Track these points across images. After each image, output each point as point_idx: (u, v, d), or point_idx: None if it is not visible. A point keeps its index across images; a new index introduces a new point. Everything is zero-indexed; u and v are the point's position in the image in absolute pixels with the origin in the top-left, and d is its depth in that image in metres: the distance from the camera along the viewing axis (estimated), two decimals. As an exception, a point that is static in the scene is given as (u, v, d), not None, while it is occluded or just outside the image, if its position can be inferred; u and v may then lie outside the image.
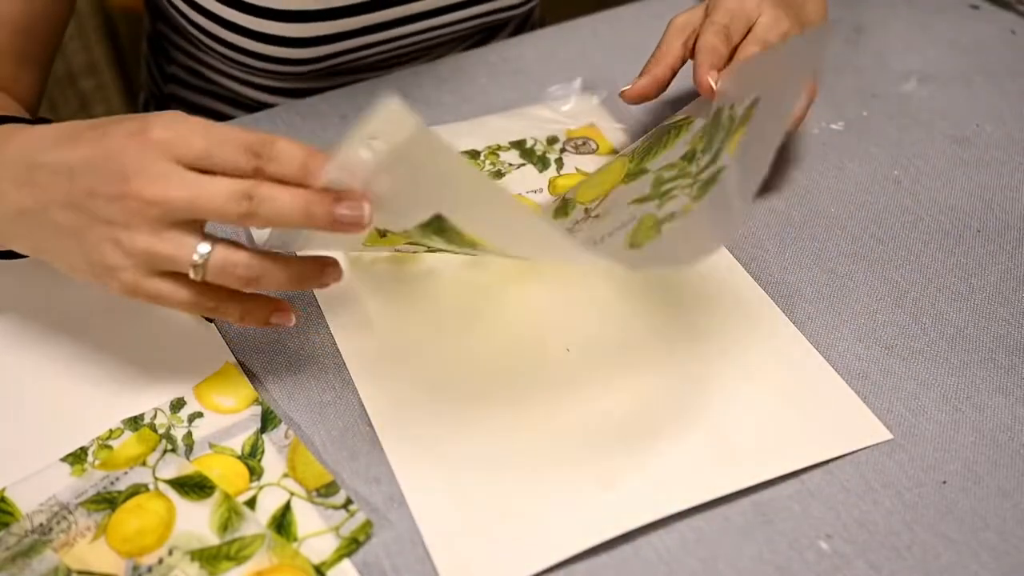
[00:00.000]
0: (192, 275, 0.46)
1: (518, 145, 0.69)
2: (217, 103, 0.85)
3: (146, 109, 0.94)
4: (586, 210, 0.59)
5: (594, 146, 0.70)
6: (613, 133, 0.71)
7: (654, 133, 0.63)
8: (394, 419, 0.53)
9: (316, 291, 0.60)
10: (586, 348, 0.57)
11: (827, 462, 0.52)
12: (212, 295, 0.48)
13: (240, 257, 0.46)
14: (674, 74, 0.64)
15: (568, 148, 0.69)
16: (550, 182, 0.67)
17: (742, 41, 0.62)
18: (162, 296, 0.48)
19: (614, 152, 0.69)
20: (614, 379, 0.55)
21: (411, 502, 0.50)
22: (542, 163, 0.68)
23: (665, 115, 0.68)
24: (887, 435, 0.53)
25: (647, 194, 0.56)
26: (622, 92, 0.64)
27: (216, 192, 0.45)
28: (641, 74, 0.64)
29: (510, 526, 0.49)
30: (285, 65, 0.75)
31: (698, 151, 0.57)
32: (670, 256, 0.49)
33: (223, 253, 0.46)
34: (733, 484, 0.50)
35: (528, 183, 0.66)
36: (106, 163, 0.45)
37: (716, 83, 0.60)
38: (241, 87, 0.83)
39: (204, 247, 0.46)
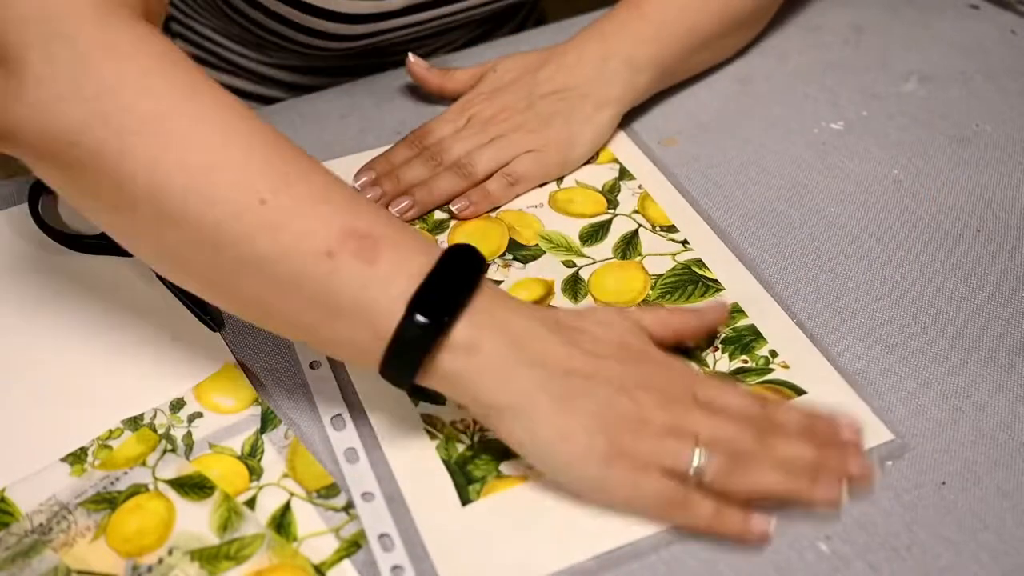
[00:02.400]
0: (691, 472, 0.47)
1: None
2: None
3: None
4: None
5: (595, 154, 0.70)
6: (612, 139, 0.71)
7: (680, 270, 0.61)
8: (394, 421, 0.53)
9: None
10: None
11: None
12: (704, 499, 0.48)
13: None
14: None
15: None
16: (550, 196, 0.66)
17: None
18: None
19: (614, 161, 0.69)
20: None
21: (411, 504, 0.50)
22: None
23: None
24: (888, 435, 0.53)
25: None
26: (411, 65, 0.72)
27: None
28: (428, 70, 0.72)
29: (513, 534, 0.49)
30: (330, 40, 0.76)
31: (719, 339, 0.57)
32: None
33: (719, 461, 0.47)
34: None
35: (529, 198, 0.66)
36: (667, 378, 0.50)
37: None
38: (245, 60, 0.85)
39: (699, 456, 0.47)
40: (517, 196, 0.66)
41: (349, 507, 0.50)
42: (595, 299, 0.60)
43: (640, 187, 0.67)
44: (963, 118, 0.73)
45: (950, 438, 0.53)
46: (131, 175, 0.45)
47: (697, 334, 0.56)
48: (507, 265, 0.61)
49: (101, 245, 0.62)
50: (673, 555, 0.48)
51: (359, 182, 0.65)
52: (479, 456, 0.52)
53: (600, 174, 0.68)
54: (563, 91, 0.68)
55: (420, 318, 0.45)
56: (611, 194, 0.66)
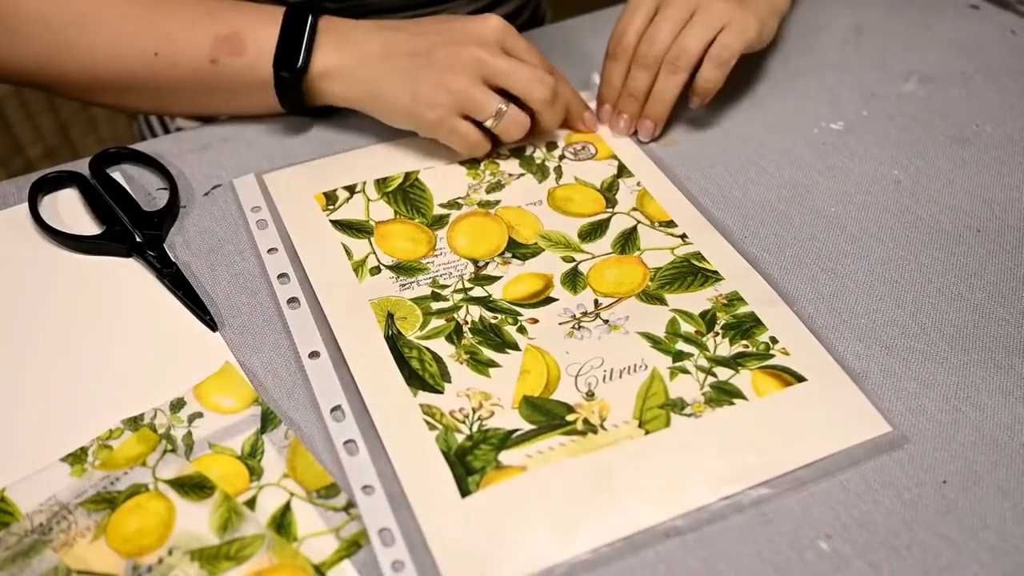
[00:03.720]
0: (491, 124, 0.65)
1: (517, 153, 0.69)
2: None
3: None
4: (596, 303, 0.59)
5: (593, 151, 0.70)
6: (612, 137, 0.71)
7: (679, 263, 0.61)
8: (393, 412, 0.53)
9: (320, 294, 0.60)
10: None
11: (829, 462, 0.52)
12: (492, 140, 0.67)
13: (524, 116, 0.66)
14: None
15: (567, 154, 0.69)
16: (549, 193, 0.67)
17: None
18: (459, 132, 0.65)
19: (612, 157, 0.69)
20: (612, 380, 0.55)
21: (411, 497, 0.50)
22: (541, 173, 0.68)
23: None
24: (886, 427, 0.53)
25: (659, 339, 0.57)
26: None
27: (528, 72, 0.65)
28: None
29: (512, 527, 0.49)
30: None
31: (719, 325, 0.57)
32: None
33: (515, 111, 0.65)
34: (737, 485, 0.50)
35: (528, 195, 0.66)
36: (450, 30, 0.65)
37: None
38: None
39: (504, 105, 0.65)
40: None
41: (349, 507, 0.50)
42: (594, 291, 0.60)
43: (639, 184, 0.67)
44: (963, 118, 0.73)
45: (950, 438, 0.53)
46: (86, 61, 0.67)
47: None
48: (506, 263, 0.62)
49: (101, 245, 0.62)
50: (673, 555, 0.48)
51: (603, 116, 0.71)
52: (478, 446, 0.52)
53: (599, 170, 0.68)
54: None
55: (284, 74, 0.65)
56: (609, 192, 0.66)
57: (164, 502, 0.50)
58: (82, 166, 0.67)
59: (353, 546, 0.48)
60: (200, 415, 0.54)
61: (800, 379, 0.55)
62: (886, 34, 0.80)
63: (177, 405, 0.54)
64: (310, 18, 0.65)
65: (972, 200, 0.66)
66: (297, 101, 0.67)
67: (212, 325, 0.58)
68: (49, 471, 0.51)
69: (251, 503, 0.50)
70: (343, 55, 0.65)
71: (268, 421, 0.53)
